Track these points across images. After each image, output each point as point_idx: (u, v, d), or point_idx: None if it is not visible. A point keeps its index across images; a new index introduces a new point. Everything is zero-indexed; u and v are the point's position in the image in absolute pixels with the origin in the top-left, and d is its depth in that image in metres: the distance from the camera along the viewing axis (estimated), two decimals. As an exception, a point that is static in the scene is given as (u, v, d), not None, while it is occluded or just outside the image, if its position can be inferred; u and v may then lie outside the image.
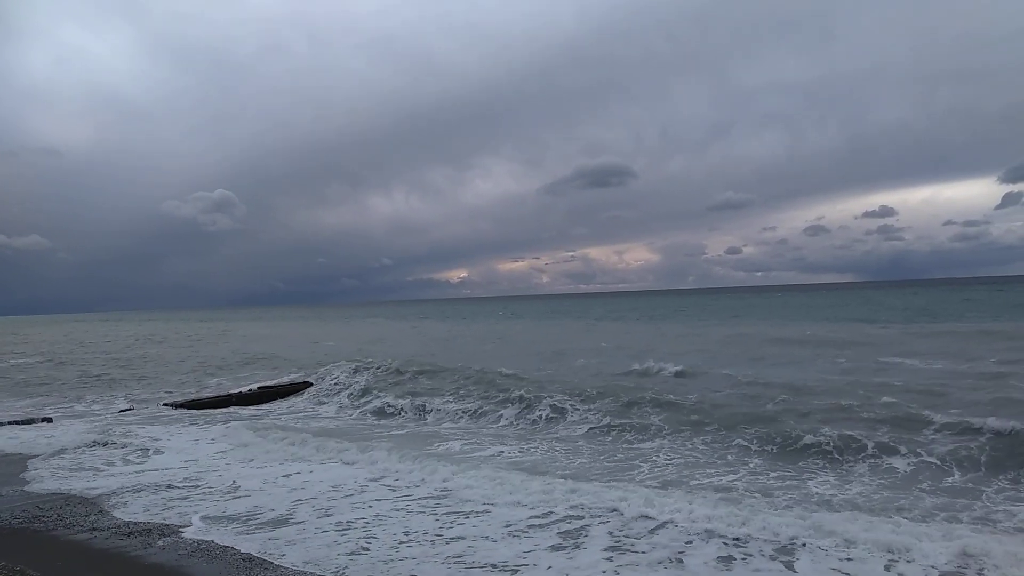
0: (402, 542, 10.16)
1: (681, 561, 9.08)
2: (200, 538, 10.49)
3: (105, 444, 17.92)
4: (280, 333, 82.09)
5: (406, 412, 22.51)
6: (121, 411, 24.85)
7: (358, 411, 23.83)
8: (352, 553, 9.77)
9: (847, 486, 12.55)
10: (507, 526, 10.70)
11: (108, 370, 41.25)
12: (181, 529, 10.94)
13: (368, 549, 9.90)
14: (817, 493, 12.16)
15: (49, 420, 22.79)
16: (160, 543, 10.28)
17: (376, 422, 21.88)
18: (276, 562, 9.43)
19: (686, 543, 9.69)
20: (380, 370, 29.39)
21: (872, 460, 13.90)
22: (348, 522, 11.15)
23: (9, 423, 22.27)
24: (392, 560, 9.46)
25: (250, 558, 9.56)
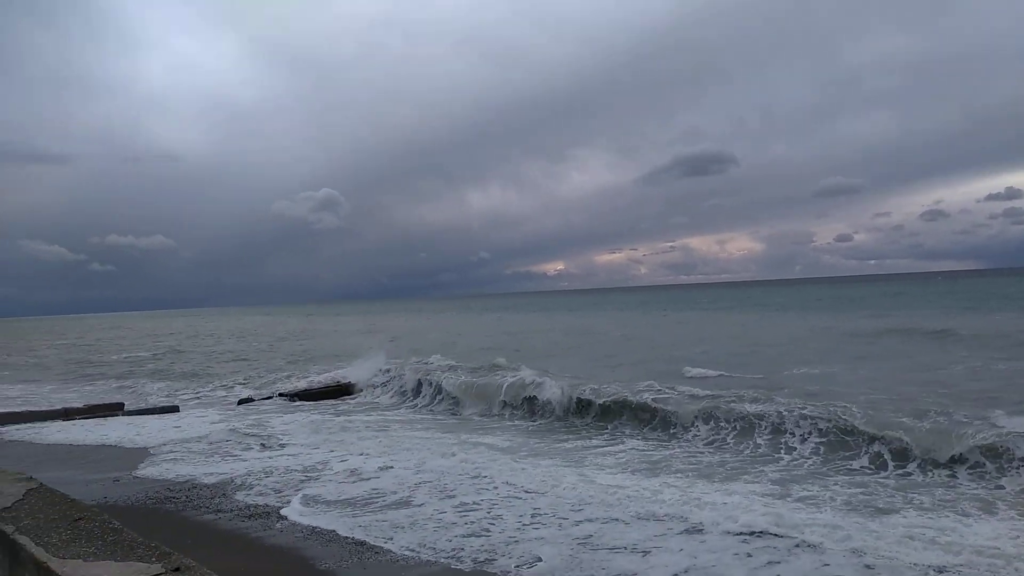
0: (527, 524, 10.18)
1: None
2: (315, 522, 10.82)
3: (228, 432, 18.92)
4: (387, 326, 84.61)
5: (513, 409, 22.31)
6: (241, 401, 26.17)
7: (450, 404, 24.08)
8: (471, 535, 9.84)
9: None
10: (637, 514, 10.46)
11: (228, 361, 43.72)
12: (299, 513, 11.34)
13: (489, 531, 9.96)
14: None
15: (176, 409, 24.32)
16: (278, 526, 10.69)
17: (471, 416, 22.01)
18: (385, 546, 9.62)
19: None
20: (476, 370, 29.57)
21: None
22: (472, 503, 11.29)
23: (139, 412, 23.94)
24: (516, 541, 9.47)
25: (362, 542, 9.78)
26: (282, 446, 17.03)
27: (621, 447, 15.71)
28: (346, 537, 10.06)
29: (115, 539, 3.50)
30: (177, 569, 2.98)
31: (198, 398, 28.33)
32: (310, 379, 30.17)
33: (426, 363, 29.06)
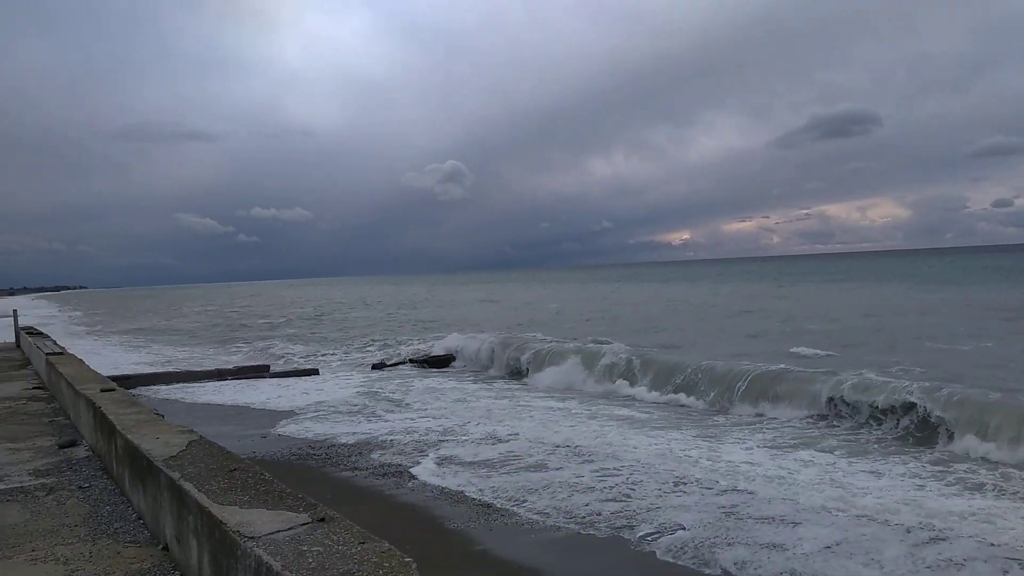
0: (669, 491, 10.15)
1: None
2: (445, 483, 11.20)
3: (364, 395, 19.92)
4: (508, 297, 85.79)
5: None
6: (374, 366, 27.42)
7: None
8: (609, 500, 9.91)
9: None
10: (780, 488, 10.22)
11: (362, 328, 45.89)
12: (430, 473, 11.78)
13: (629, 497, 9.98)
14: None
15: (316, 372, 25.87)
16: (410, 485, 11.16)
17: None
18: (513, 508, 9.83)
19: None
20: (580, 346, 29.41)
21: None
22: (613, 469, 11.35)
23: (283, 374, 25.63)
24: (657, 508, 9.45)
25: (489, 504, 10.04)
26: (414, 409, 17.74)
27: (757, 424, 15.27)
28: (474, 499, 10.35)
29: (266, 489, 3.76)
30: (322, 519, 3.17)
31: (335, 362, 29.94)
32: (436, 346, 31.14)
33: (543, 338, 29.27)
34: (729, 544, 8.14)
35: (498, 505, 10.02)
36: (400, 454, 13.16)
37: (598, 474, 11.15)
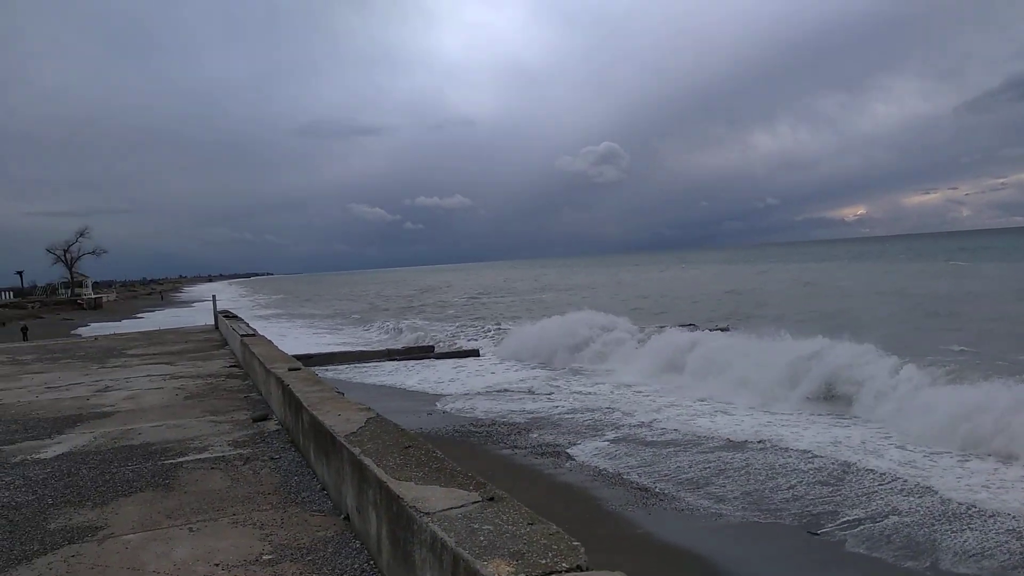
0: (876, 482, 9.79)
1: None
2: (603, 464, 11.22)
3: (525, 376, 20.39)
4: (670, 280, 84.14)
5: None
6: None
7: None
8: (817, 483, 9.68)
9: None
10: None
11: (520, 309, 46.83)
12: (589, 454, 11.85)
13: (839, 484, 9.71)
14: None
15: (476, 353, 26.72)
16: (567, 465, 11.27)
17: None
18: (676, 493, 9.67)
19: None
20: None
21: None
22: (776, 463, 10.95)
23: (447, 354, 26.71)
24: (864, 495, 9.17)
25: (647, 488, 9.94)
26: (574, 392, 17.92)
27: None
28: (633, 482, 10.29)
29: (438, 467, 3.92)
30: (492, 499, 3.26)
31: (495, 344, 30.77)
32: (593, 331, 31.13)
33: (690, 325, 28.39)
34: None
35: (657, 489, 9.89)
36: (558, 434, 13.32)
37: (753, 464, 10.77)
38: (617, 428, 13.60)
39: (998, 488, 9.18)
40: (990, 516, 8.21)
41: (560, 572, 2.46)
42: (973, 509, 8.47)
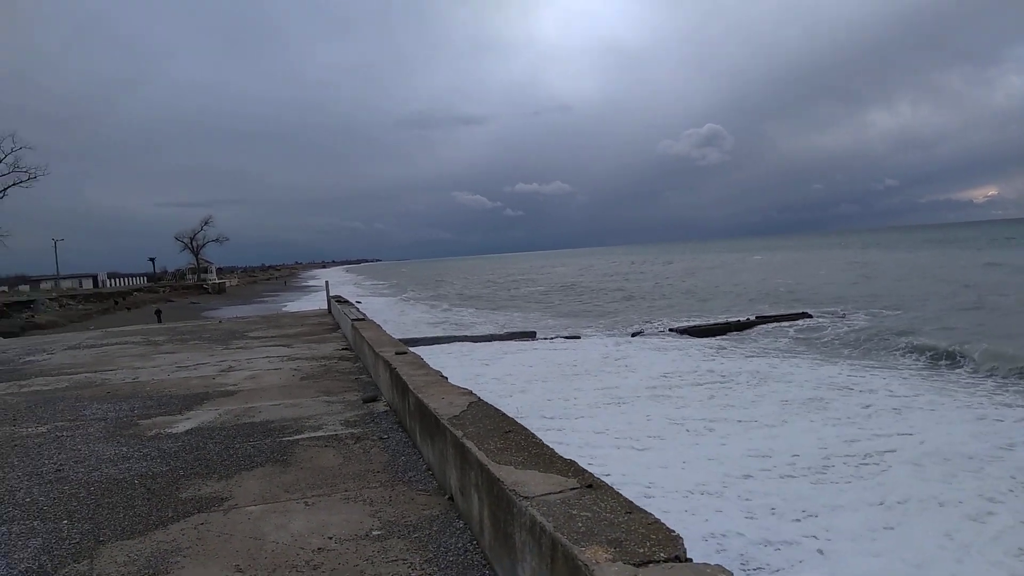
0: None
1: None
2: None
3: (613, 359, 20.31)
4: (788, 263, 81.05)
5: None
6: (634, 334, 27.65)
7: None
8: None
9: None
10: None
11: (616, 295, 46.43)
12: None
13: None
14: None
15: (577, 337, 26.77)
16: (672, 454, 11.13)
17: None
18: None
19: None
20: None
21: None
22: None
23: (548, 339, 26.87)
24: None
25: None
26: (643, 370, 17.68)
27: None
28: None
29: (537, 452, 3.98)
30: (590, 486, 3.28)
31: (594, 329, 30.68)
32: (703, 317, 30.49)
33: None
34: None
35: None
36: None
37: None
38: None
39: None
40: None
41: (659, 562, 2.45)
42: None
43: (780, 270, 66.79)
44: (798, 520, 8.09)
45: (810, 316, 28.91)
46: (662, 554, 2.50)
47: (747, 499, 8.78)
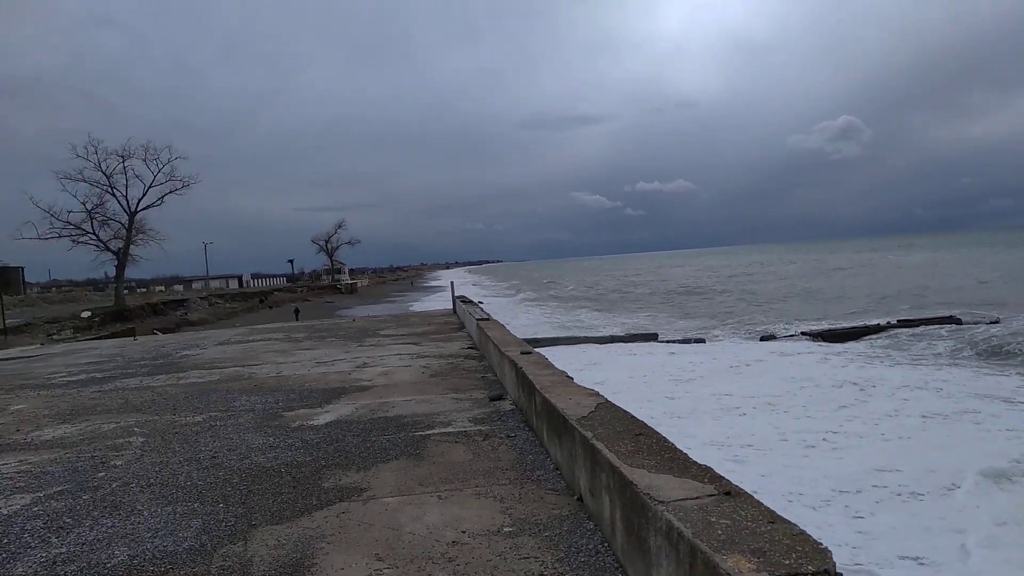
0: None
1: None
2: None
3: (734, 364, 19.53)
4: (930, 262, 75.65)
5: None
6: (763, 338, 26.62)
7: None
8: None
9: None
10: None
11: (744, 297, 44.78)
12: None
13: None
14: None
15: (702, 341, 26.07)
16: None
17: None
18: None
19: None
20: None
21: None
22: None
23: (671, 341, 26.33)
24: None
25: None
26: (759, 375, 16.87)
27: None
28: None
29: (671, 456, 3.91)
30: (728, 493, 3.19)
31: (720, 332, 29.78)
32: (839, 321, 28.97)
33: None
34: None
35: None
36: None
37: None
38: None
39: None
40: None
41: (806, 575, 2.36)
42: None
43: (922, 270, 62.25)
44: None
45: (959, 321, 26.74)
46: (810, 567, 2.40)
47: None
